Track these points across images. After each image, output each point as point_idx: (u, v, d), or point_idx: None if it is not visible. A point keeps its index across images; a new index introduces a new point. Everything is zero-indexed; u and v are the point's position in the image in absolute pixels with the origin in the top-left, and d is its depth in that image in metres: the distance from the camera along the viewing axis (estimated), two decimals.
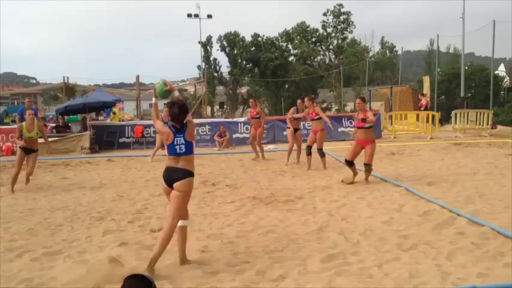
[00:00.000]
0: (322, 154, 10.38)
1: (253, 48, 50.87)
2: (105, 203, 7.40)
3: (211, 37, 51.87)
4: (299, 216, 6.25)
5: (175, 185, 4.34)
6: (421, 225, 5.60)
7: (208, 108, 42.27)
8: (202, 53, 50.85)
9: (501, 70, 47.99)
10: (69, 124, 18.79)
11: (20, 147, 8.82)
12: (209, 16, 44.88)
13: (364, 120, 8.18)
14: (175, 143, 4.33)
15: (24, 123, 8.90)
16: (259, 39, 51.17)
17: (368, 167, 8.42)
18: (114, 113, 23.86)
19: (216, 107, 50.68)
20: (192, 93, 42.33)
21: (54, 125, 19.71)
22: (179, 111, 4.30)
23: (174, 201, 4.34)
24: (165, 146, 4.44)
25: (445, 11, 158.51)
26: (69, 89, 29.75)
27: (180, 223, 4.42)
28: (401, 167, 10.27)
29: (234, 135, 17.31)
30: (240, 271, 4.28)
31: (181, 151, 4.34)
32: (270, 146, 15.89)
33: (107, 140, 16.97)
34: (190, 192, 4.50)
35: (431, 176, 8.96)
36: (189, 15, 44.28)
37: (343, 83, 45.82)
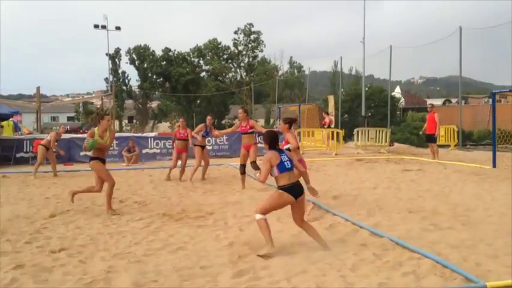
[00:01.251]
0: (256, 167, 8.96)
1: (164, 62, 50.26)
2: None
3: (120, 49, 50.48)
4: (210, 232, 6.21)
5: (302, 197, 5.33)
6: (327, 238, 5.79)
7: (117, 122, 40.81)
8: (110, 65, 49.21)
9: (397, 92, 52.01)
10: None
11: (96, 158, 7.50)
12: (117, 28, 43.63)
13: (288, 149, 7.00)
14: (283, 160, 5.24)
15: (96, 128, 7.63)
16: (171, 53, 50.71)
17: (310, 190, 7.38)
18: (2, 126, 21.67)
19: (125, 121, 49.06)
20: (98, 106, 40.63)
21: None
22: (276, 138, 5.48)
23: (303, 208, 5.50)
24: (276, 167, 5.20)
25: (348, 35, 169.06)
26: None
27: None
28: None
29: (144, 151, 16.85)
30: None
31: (288, 166, 5.24)
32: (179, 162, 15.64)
33: (2, 154, 15.69)
34: None
35: (336, 190, 9.37)
36: (96, 26, 42.70)
37: (254, 100, 46.75)
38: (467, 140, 27.33)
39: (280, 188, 5.24)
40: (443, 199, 8.21)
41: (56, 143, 12.96)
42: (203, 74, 53.02)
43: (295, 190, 5.24)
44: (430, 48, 25.78)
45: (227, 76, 53.34)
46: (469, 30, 21.85)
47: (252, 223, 6.66)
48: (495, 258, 4.83)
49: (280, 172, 5.22)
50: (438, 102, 55.07)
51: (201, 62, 53.08)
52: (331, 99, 28.57)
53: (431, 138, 15.18)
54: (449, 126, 20.62)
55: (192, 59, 52.15)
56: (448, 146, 19.85)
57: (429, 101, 44.26)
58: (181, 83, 48.49)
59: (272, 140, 5.41)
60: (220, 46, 52.67)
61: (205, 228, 6.41)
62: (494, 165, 12.17)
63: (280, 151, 5.38)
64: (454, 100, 50.44)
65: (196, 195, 9.28)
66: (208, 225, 6.59)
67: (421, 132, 16.34)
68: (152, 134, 18.77)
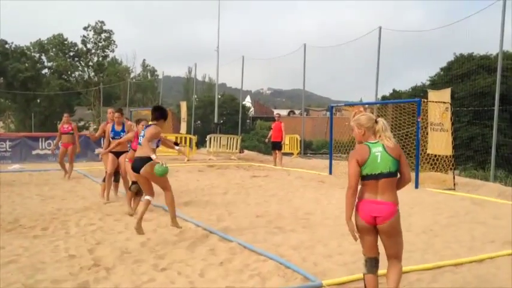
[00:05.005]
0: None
1: None
2: None
3: None
4: (48, 242, 5.69)
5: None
6: (176, 244, 5.75)
7: None
8: None
9: (248, 101, 54.30)
10: None
11: None
12: None
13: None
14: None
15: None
16: (7, 46, 45.67)
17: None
18: None
19: None
20: None
21: None
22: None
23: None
24: None
25: (203, 43, 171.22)
26: None
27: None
28: (159, 188, 10.40)
29: None
30: None
31: None
32: (16, 166, 14.17)
33: None
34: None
35: (187, 196, 9.35)
36: None
37: (103, 102, 44.45)
38: (308, 148, 29.70)
39: None
40: (287, 203, 8.74)
41: None
42: (45, 71, 48.76)
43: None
44: (277, 61, 27.33)
45: (73, 75, 49.85)
46: (312, 47, 23.73)
47: (97, 231, 6.30)
48: (330, 258, 5.27)
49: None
50: (284, 112, 58.86)
51: (43, 57, 48.77)
52: (183, 105, 28.56)
53: (277, 146, 16.19)
54: (293, 135, 22.11)
55: (33, 54, 47.64)
56: (292, 154, 21.27)
57: (276, 111, 47.15)
58: (18, 79, 43.86)
59: None
60: (66, 42, 49.04)
61: (43, 239, 5.86)
62: (330, 172, 13.36)
63: None
64: (297, 111, 54.41)
65: (34, 202, 8.45)
66: (47, 235, 6.05)
67: (266, 140, 17.40)
68: None
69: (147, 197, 6.06)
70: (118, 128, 8.73)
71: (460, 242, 6.00)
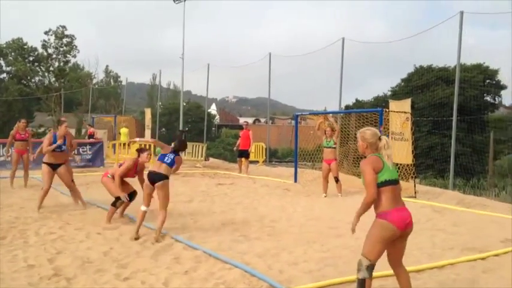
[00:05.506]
0: None
1: None
2: None
3: None
4: (6, 252, 5.49)
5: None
6: (140, 253, 5.65)
7: None
8: None
9: (213, 109, 54.29)
10: None
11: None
12: None
13: None
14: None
15: None
16: None
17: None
18: None
19: None
20: None
21: None
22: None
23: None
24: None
25: (167, 49, 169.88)
26: None
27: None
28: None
29: None
30: None
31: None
32: None
33: None
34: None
35: (151, 204, 9.17)
36: None
37: (64, 108, 43.38)
38: (273, 156, 29.87)
39: None
40: (252, 211, 8.74)
41: None
42: (3, 75, 47.21)
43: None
44: (243, 69, 27.50)
45: (33, 80, 48.42)
46: (278, 56, 23.98)
47: (57, 240, 6.12)
48: (296, 265, 5.30)
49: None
50: (249, 120, 59.10)
51: (2, 62, 47.21)
52: (148, 112, 28.22)
53: (244, 154, 16.17)
54: (259, 143, 22.18)
55: None
56: (257, 161, 21.32)
57: (243, 119, 47.31)
58: None
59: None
60: (26, 47, 47.65)
61: (0, 248, 5.64)
62: (295, 180, 13.46)
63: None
64: (262, 120, 54.70)
65: None
66: (4, 245, 5.82)
67: (235, 148, 17.33)
68: None
69: (144, 208, 6.55)
70: (60, 141, 8.33)
71: (421, 248, 6.15)
